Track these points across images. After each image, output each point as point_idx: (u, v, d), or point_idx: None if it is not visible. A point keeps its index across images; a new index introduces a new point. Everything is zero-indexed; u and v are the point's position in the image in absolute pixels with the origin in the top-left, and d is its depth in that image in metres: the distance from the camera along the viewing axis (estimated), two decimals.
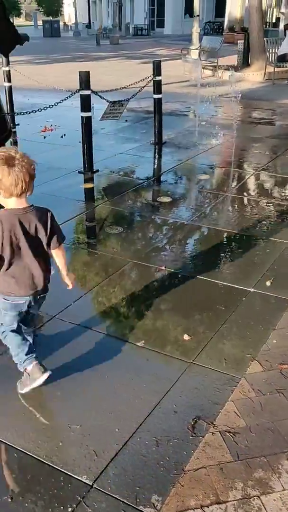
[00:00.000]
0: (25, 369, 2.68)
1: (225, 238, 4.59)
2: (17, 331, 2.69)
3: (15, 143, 7.85)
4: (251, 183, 6.03)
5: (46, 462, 2.29)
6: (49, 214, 2.54)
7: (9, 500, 2.12)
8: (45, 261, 2.57)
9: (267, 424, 2.45)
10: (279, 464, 2.23)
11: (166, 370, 2.88)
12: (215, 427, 2.44)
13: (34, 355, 2.69)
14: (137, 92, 7.20)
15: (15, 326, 2.66)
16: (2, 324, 2.66)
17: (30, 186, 2.40)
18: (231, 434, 2.40)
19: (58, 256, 2.64)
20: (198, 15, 20.57)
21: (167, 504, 2.07)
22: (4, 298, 2.56)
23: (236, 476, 2.18)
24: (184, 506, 2.06)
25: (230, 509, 2.03)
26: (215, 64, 15.36)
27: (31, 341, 2.79)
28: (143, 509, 2.06)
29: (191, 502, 2.07)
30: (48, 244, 2.53)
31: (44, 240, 2.50)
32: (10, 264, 2.47)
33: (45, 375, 2.64)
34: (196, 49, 17.16)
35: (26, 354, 2.68)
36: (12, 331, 2.67)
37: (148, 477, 2.21)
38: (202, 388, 2.72)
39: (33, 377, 2.64)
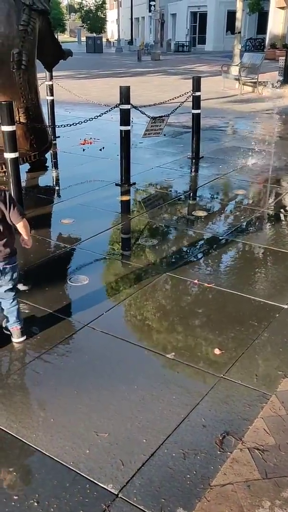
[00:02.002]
0: None
1: (260, 254, 4.56)
2: None
3: (54, 155, 8.04)
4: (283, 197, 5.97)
5: (72, 468, 2.31)
6: (6, 193, 2.97)
7: (35, 504, 2.14)
8: (7, 234, 3.00)
9: None
10: None
11: (196, 383, 2.87)
12: (243, 444, 2.41)
13: None
14: (177, 108, 7.26)
15: None
16: None
17: None
18: (259, 451, 2.36)
19: (21, 228, 3.07)
20: (240, 32, 20.62)
21: None
22: None
23: (263, 494, 2.14)
24: None
25: None
26: (255, 80, 15.34)
27: (15, 312, 3.19)
28: None
29: None
30: (10, 219, 2.97)
31: (6, 214, 2.94)
32: None
33: None
34: (237, 65, 17.19)
35: None
36: None
37: (174, 489, 2.20)
38: (232, 403, 2.69)
39: None
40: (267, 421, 2.54)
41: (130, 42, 48.41)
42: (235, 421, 2.56)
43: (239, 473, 2.25)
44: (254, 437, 2.44)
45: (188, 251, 4.65)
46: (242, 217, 5.39)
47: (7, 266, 3.05)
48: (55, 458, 2.36)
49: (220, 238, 4.85)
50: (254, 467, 2.27)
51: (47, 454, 2.38)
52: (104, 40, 50.04)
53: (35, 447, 2.42)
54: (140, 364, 3.06)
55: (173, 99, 7.55)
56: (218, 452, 2.37)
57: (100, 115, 6.62)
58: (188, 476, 2.26)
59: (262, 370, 2.94)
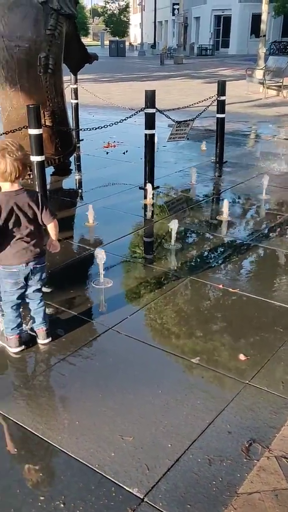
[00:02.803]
0: (6, 336, 3.18)
1: (284, 260, 4.52)
2: (16, 306, 3.14)
3: (78, 158, 8.10)
4: None
5: (98, 471, 2.31)
6: (39, 194, 3.03)
7: (61, 505, 2.15)
8: (37, 234, 3.04)
9: None
10: None
11: (221, 389, 2.85)
12: (270, 452, 2.38)
13: (18, 329, 3.18)
14: (202, 112, 7.25)
15: (14, 298, 3.09)
16: (5, 291, 3.09)
17: (23, 173, 2.90)
18: (287, 460, 2.33)
19: (51, 229, 3.13)
20: (265, 35, 20.52)
21: None
22: (2, 267, 3.00)
23: None
24: None
25: None
26: (280, 84, 15.23)
27: (42, 314, 3.22)
28: None
29: None
30: (42, 219, 3.01)
31: (38, 215, 2.98)
32: (8, 238, 2.92)
33: (18, 349, 3.17)
34: (261, 69, 17.10)
35: (12, 329, 3.15)
36: (12, 306, 3.11)
37: (200, 495, 2.19)
38: (258, 410, 2.67)
39: (8, 344, 3.19)
40: None
41: (153, 46, 48.51)
42: (262, 428, 2.54)
43: (267, 481, 2.22)
44: (281, 445, 2.42)
45: (211, 255, 4.63)
46: (266, 222, 5.35)
47: (37, 266, 3.07)
48: (80, 460, 2.37)
49: (244, 243, 4.82)
50: (281, 476, 2.24)
51: (72, 456, 2.39)
52: (127, 43, 50.29)
53: (61, 449, 2.43)
54: (164, 368, 3.06)
55: (197, 103, 7.55)
56: (245, 460, 2.35)
57: (124, 119, 6.65)
58: (214, 482, 2.25)
59: None
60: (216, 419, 2.61)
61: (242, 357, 3.10)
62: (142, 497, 2.18)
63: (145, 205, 5.91)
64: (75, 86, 9.10)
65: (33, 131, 5.06)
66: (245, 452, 2.39)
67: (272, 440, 2.45)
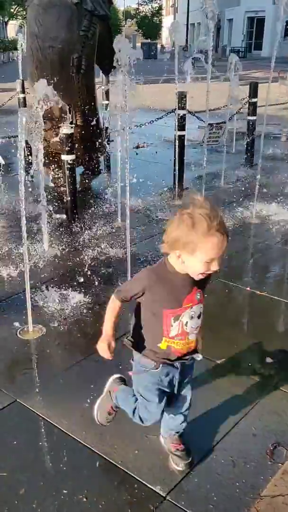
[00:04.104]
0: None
1: None
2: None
3: (108, 158, 8.14)
4: None
5: (121, 467, 2.32)
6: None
7: (84, 499, 2.17)
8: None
9: None
10: None
11: (246, 391, 2.83)
12: None
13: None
14: (235, 114, 7.21)
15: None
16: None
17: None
18: None
19: None
20: None
21: None
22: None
23: None
24: None
25: None
26: None
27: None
28: None
29: None
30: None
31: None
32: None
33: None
34: None
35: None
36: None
37: (222, 496, 2.18)
38: (283, 414, 2.64)
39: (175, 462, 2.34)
40: None
41: (185, 48, 48.49)
42: (287, 432, 2.51)
43: None
44: None
45: (241, 257, 4.60)
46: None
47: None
48: (104, 456, 2.38)
49: (274, 245, 4.78)
50: None
51: (96, 451, 2.41)
52: (159, 46, 50.35)
53: (85, 444, 2.45)
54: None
55: (230, 104, 7.51)
56: (269, 463, 2.33)
57: (155, 120, 6.66)
58: (237, 484, 2.23)
59: None
60: (241, 421, 2.60)
61: (268, 360, 3.07)
62: (164, 495, 2.19)
63: (174, 206, 5.91)
64: (107, 87, 9.16)
65: (65, 131, 5.12)
66: (270, 455, 2.37)
67: None
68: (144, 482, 2.25)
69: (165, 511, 2.12)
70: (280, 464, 2.31)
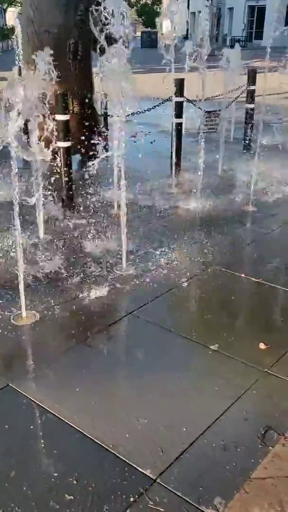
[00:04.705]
0: None
1: None
2: None
3: (105, 146, 8.09)
4: None
5: (112, 451, 2.33)
6: None
7: (74, 482, 2.17)
8: None
9: None
10: None
11: (239, 376, 2.83)
12: (286, 439, 2.36)
13: None
14: (232, 102, 7.16)
15: None
16: None
17: None
18: None
19: None
20: None
21: (230, 508, 2.03)
22: None
23: None
24: None
25: None
26: None
27: None
28: (205, 510, 2.03)
29: (255, 510, 2.01)
30: None
31: None
32: None
33: None
34: None
35: None
36: None
37: (213, 479, 2.18)
38: (275, 399, 2.65)
39: None
40: None
41: (186, 37, 48.14)
42: (279, 416, 2.52)
43: (281, 468, 2.20)
44: None
45: (237, 244, 4.58)
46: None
47: None
48: (95, 440, 2.38)
49: (269, 233, 4.76)
50: None
51: (87, 435, 2.41)
52: (159, 34, 49.91)
53: (76, 428, 2.45)
54: (183, 354, 3.06)
55: (227, 93, 7.46)
56: (260, 446, 2.34)
57: (153, 108, 6.62)
58: (228, 467, 2.24)
59: None
60: (233, 406, 2.60)
61: (262, 345, 3.07)
62: (154, 478, 2.19)
63: (171, 194, 5.89)
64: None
65: (61, 117, 5.08)
66: (261, 439, 2.37)
67: None
68: (134, 465, 2.25)
69: (155, 493, 2.12)
70: (270, 448, 2.31)
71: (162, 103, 6.52)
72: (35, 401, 2.63)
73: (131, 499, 2.09)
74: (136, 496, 2.10)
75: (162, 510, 2.05)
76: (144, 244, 4.52)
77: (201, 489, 2.13)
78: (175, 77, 6.21)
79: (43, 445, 2.39)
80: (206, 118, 6.86)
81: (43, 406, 2.59)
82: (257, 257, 4.32)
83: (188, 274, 3.96)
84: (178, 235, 4.76)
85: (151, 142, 8.34)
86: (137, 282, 3.84)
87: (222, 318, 3.43)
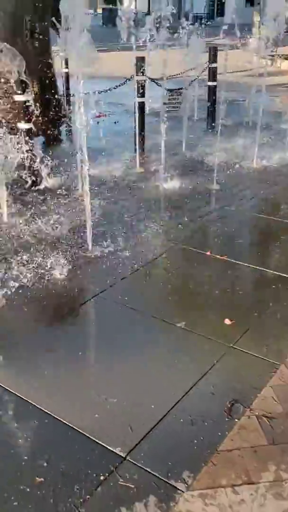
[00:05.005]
0: None
1: (272, 227, 4.51)
2: None
3: (69, 127, 7.98)
4: None
5: (82, 432, 2.34)
6: None
7: (45, 464, 2.18)
8: None
9: None
10: None
11: (206, 352, 2.87)
12: (251, 411, 2.42)
13: None
14: (194, 80, 7.13)
15: None
16: None
17: None
18: (267, 418, 2.37)
19: None
20: (260, 3, 20.10)
21: (199, 480, 2.08)
22: None
23: (269, 459, 2.16)
24: (215, 483, 2.06)
25: (261, 490, 2.02)
26: (275, 53, 14.98)
27: None
28: (174, 484, 2.08)
29: (223, 481, 2.07)
30: None
31: None
32: None
33: None
34: (256, 38, 16.79)
35: None
36: None
37: (181, 454, 2.22)
38: (241, 372, 2.70)
39: None
40: (275, 390, 2.54)
41: (148, 14, 47.50)
42: (244, 389, 2.57)
43: (246, 439, 2.26)
44: (262, 405, 2.45)
45: (200, 222, 4.61)
46: (261, 188, 5.32)
47: None
48: (64, 422, 2.39)
49: (234, 210, 4.81)
50: (261, 434, 2.28)
51: (57, 417, 2.42)
52: (119, 11, 49.03)
53: (45, 411, 2.45)
54: (150, 333, 3.09)
55: (188, 70, 7.42)
56: (226, 419, 2.39)
57: (115, 87, 6.54)
58: (196, 441, 2.28)
59: (272, 341, 2.93)
60: (200, 381, 2.64)
61: (227, 321, 3.12)
62: (124, 456, 2.22)
63: (136, 173, 5.86)
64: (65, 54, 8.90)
65: (20, 98, 4.97)
66: (227, 412, 2.42)
67: (253, 400, 2.48)
68: (104, 444, 2.27)
69: (125, 470, 2.15)
70: (236, 420, 2.37)
71: (125, 82, 6.44)
72: (2, 385, 2.61)
73: (102, 478, 2.11)
74: (107, 474, 2.13)
75: (132, 486, 2.08)
76: (110, 224, 4.51)
77: (170, 464, 2.17)
78: (136, 56, 6.11)
79: (11, 429, 2.38)
80: (169, 96, 6.83)
81: (11, 390, 2.58)
82: (222, 235, 4.36)
83: (153, 253, 3.98)
84: (144, 214, 4.76)
85: (115, 122, 8.26)
86: (103, 263, 3.84)
87: (189, 296, 3.47)
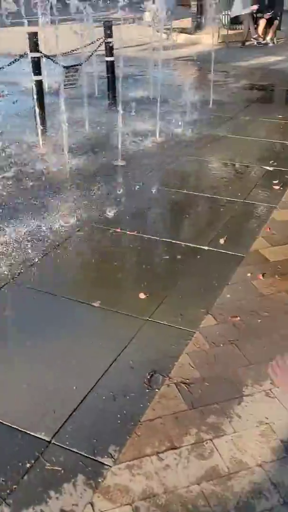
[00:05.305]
0: None
1: (178, 199, 4.61)
2: None
3: None
4: (202, 144, 6.02)
5: (3, 421, 2.30)
6: None
7: None
8: None
9: (220, 373, 2.53)
10: (231, 409, 2.31)
11: (123, 328, 2.91)
12: (170, 380, 2.50)
13: None
14: (90, 56, 7.02)
15: None
16: None
17: None
18: (186, 385, 2.46)
19: None
20: None
21: (124, 453, 2.12)
22: None
23: (190, 423, 2.25)
24: (140, 454, 2.12)
25: (184, 453, 2.10)
26: (169, 27, 15.09)
27: None
28: (100, 459, 2.11)
29: (147, 450, 2.13)
30: None
31: None
32: None
33: None
34: (150, 11, 16.80)
35: None
36: None
37: (106, 429, 2.26)
38: (158, 344, 2.77)
39: None
40: (192, 356, 2.64)
41: None
42: (162, 359, 2.64)
43: (167, 407, 2.34)
44: (180, 372, 2.54)
45: (108, 200, 4.60)
46: (164, 163, 5.40)
47: None
48: None
49: (140, 185, 4.85)
50: (180, 400, 2.37)
51: None
52: None
53: None
54: (66, 315, 3.07)
55: (85, 46, 7.29)
56: (147, 391, 2.45)
57: (8, 65, 6.26)
58: (119, 416, 2.32)
59: (186, 310, 3.03)
60: (119, 357, 2.68)
61: (142, 295, 3.17)
62: (49, 440, 2.21)
63: (40, 154, 5.72)
64: None
65: None
66: (147, 384, 2.48)
67: (172, 369, 2.56)
68: (28, 431, 2.25)
69: (50, 454, 2.15)
70: (157, 390, 2.44)
71: (17, 59, 6.20)
72: None
73: (28, 465, 2.10)
74: (33, 461, 2.11)
75: (60, 468, 2.09)
76: (16, 207, 4.38)
77: (95, 441, 2.20)
78: (28, 31, 5.90)
79: None
80: (66, 73, 6.68)
81: None
82: (131, 210, 4.39)
83: (63, 234, 3.93)
84: (50, 195, 4.66)
85: (13, 102, 7.95)
86: (12, 248, 3.73)
87: (102, 275, 3.48)
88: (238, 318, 2.92)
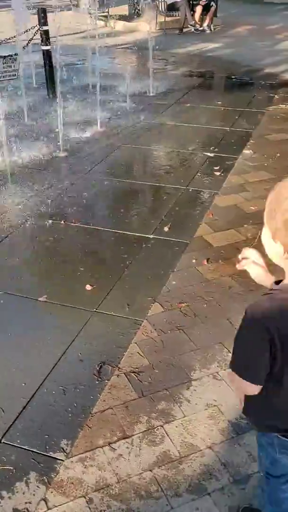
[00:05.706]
0: None
1: (122, 188, 4.60)
2: None
3: None
4: (143, 132, 6.02)
5: None
6: None
7: None
8: None
9: (168, 360, 2.56)
10: (180, 394, 2.35)
11: (70, 321, 2.89)
12: (120, 370, 2.51)
13: None
14: (27, 44, 6.84)
15: None
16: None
17: None
18: (135, 373, 2.48)
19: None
20: None
21: (76, 446, 2.12)
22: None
23: (140, 411, 2.27)
24: (92, 445, 2.12)
25: (136, 442, 2.13)
26: (106, 14, 14.93)
27: None
28: (52, 455, 2.10)
29: (99, 441, 2.14)
30: None
31: None
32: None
33: None
34: None
35: None
36: None
37: (57, 424, 2.24)
38: (106, 335, 2.77)
39: None
40: (140, 345, 2.66)
41: None
42: (111, 350, 2.65)
43: (117, 397, 2.35)
44: (129, 362, 2.55)
45: (52, 192, 4.53)
46: (103, 152, 5.36)
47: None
48: None
49: (82, 175, 4.80)
50: (130, 389, 2.39)
51: None
52: None
53: None
54: (12, 311, 3.02)
55: (20, 35, 7.09)
56: (97, 382, 2.45)
57: None
58: (70, 409, 2.31)
59: (132, 299, 3.04)
60: (68, 351, 2.66)
61: (88, 287, 3.16)
62: None
63: None
64: None
65: None
66: (97, 375, 2.49)
67: (121, 359, 2.57)
68: None
69: (2, 454, 2.12)
70: (107, 381, 2.44)
71: None
72: None
73: None
74: None
75: (11, 468, 2.06)
76: None
77: (47, 436, 2.19)
78: None
79: None
80: (3, 64, 6.48)
81: None
82: (76, 202, 4.34)
83: (6, 230, 3.84)
84: None
85: None
86: None
87: (48, 269, 3.43)
88: (185, 304, 2.96)
